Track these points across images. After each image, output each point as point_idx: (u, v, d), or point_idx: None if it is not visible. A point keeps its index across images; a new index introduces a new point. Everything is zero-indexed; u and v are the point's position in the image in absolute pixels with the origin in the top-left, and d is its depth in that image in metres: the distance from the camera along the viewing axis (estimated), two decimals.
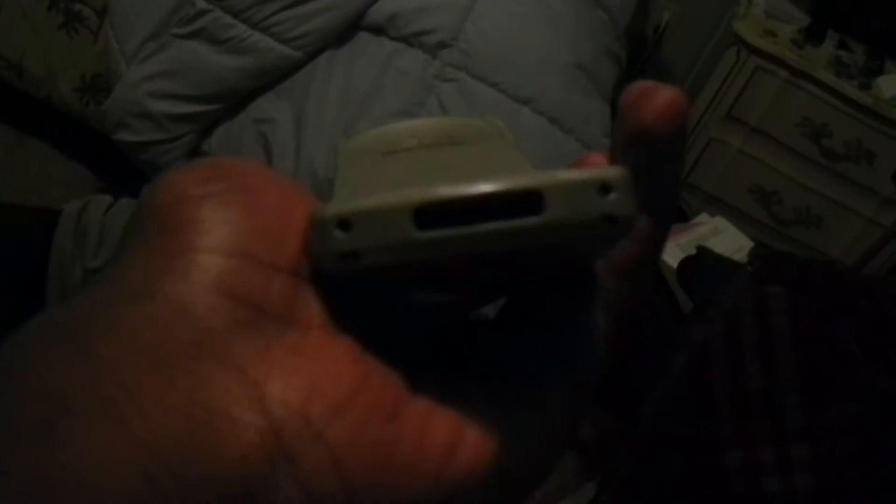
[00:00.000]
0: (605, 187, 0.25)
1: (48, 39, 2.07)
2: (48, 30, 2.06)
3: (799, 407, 1.44)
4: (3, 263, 1.50)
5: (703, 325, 1.49)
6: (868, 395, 1.51)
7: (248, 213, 0.26)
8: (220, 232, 0.26)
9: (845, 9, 2.60)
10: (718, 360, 1.43)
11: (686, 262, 1.94)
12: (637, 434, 1.46)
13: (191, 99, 1.83)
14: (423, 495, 0.26)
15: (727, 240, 2.18)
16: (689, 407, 1.43)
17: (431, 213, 0.25)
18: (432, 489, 0.26)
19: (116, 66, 1.86)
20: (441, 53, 1.79)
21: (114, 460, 0.22)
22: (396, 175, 0.31)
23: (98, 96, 2.04)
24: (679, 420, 1.41)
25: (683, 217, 2.42)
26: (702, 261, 1.91)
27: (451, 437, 0.26)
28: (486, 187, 0.24)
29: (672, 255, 2.04)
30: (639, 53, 2.60)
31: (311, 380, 0.25)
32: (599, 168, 0.26)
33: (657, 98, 0.29)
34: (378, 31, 1.82)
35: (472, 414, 0.27)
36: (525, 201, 0.25)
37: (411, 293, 0.30)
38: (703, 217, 2.35)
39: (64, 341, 0.24)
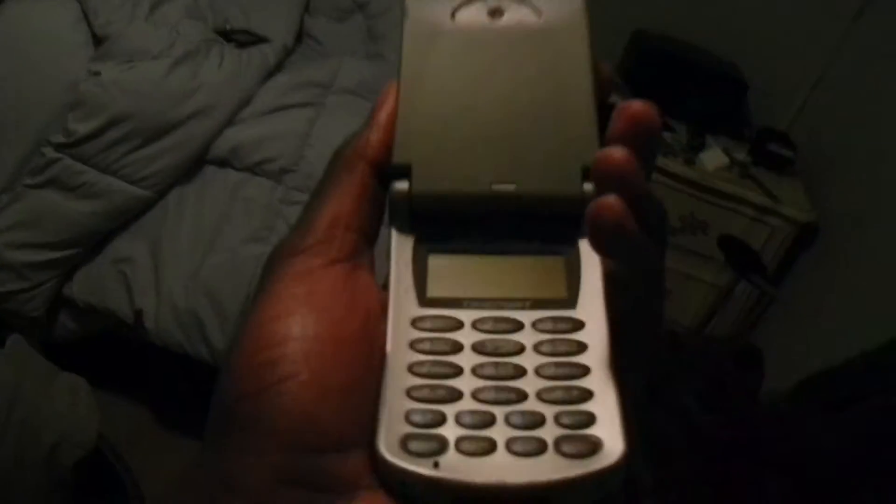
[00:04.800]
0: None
1: None
2: None
3: (645, 466, 1.54)
4: None
5: None
6: (710, 446, 1.63)
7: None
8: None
9: (664, 94, 2.82)
10: None
11: None
12: None
13: (48, 246, 1.89)
14: None
15: None
16: None
17: None
18: None
19: None
20: (284, 178, 1.90)
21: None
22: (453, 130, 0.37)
23: None
24: None
25: None
26: None
27: None
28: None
29: None
30: None
31: None
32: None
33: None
34: (223, 163, 1.92)
35: None
36: None
37: None
38: None
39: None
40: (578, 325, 0.35)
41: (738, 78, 2.83)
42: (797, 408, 1.88)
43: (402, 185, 0.37)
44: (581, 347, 0.34)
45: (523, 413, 0.33)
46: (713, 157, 2.69)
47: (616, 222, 0.32)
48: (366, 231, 0.38)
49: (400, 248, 0.37)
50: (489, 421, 0.32)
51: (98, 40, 1.90)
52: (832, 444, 1.75)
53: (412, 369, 0.34)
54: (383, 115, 0.38)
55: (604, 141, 0.35)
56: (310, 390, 0.33)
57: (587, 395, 0.33)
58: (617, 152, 0.33)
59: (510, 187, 0.36)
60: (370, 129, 0.38)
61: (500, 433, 0.32)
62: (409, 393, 0.33)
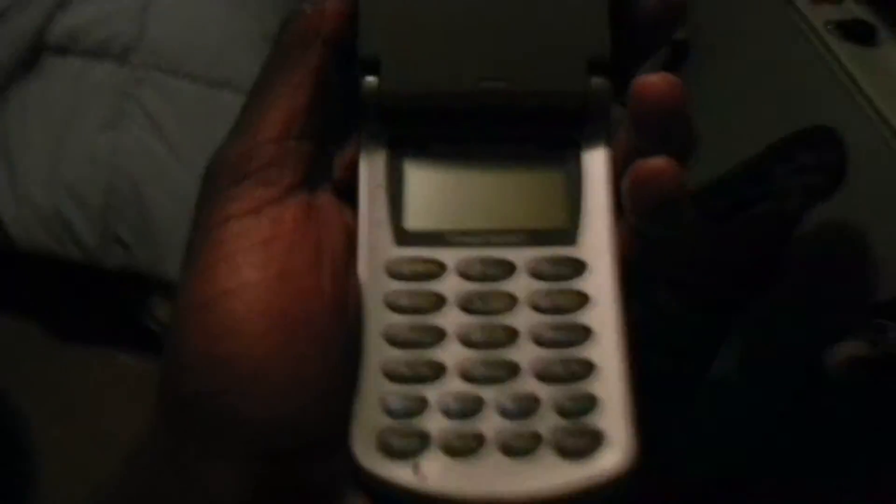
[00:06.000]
0: None
1: None
2: None
3: None
4: None
5: None
6: None
7: None
8: None
9: None
10: None
11: None
12: None
13: None
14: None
15: None
16: None
17: None
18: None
19: None
20: (130, 57, 1.78)
21: None
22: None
23: None
24: None
25: None
26: None
27: None
28: None
29: None
30: None
31: None
32: None
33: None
34: (62, 50, 1.78)
35: None
36: None
37: None
38: None
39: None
40: (579, 267, 0.31)
41: None
42: None
43: (372, 81, 0.30)
44: (582, 300, 0.31)
45: (515, 397, 0.29)
46: None
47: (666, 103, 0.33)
48: (323, 136, 0.31)
49: (371, 159, 0.31)
50: (476, 408, 0.28)
51: None
52: (718, 253, 1.79)
53: (388, 335, 0.30)
54: None
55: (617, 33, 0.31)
56: (282, 387, 0.28)
57: (587, 368, 0.29)
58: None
59: (500, 84, 0.31)
60: None
61: (488, 424, 0.28)
62: (385, 369, 0.29)
